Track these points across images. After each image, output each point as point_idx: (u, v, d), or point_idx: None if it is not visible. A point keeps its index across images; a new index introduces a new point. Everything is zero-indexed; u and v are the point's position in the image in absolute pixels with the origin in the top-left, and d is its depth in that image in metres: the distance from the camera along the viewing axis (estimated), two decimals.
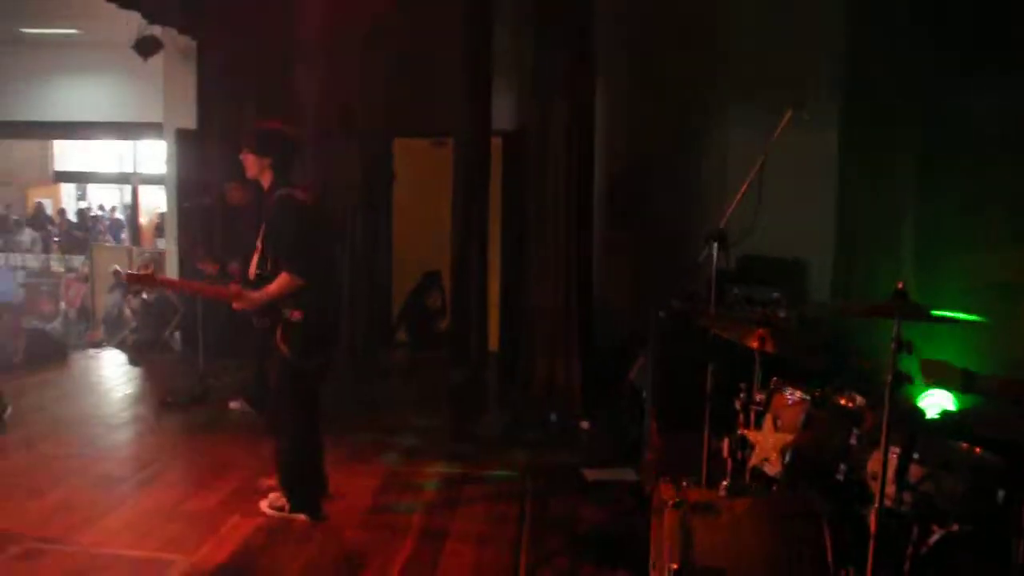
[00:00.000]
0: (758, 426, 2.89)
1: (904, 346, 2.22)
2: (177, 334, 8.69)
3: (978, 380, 2.65)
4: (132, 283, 4.38)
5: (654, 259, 6.67)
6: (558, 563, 3.80)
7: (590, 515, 4.37)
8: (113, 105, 12.08)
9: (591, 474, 4.98)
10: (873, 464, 2.50)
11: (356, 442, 5.52)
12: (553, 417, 6.14)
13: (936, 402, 3.02)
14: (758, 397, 2.96)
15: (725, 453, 2.96)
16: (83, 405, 6.57)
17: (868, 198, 5.24)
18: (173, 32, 8.67)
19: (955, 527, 2.45)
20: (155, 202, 15.70)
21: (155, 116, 10.76)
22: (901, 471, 2.37)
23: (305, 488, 4.25)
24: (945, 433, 2.56)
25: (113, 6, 7.62)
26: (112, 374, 7.76)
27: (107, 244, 14.51)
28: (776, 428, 2.79)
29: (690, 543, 2.75)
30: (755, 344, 3.00)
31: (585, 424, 6.03)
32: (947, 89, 4.54)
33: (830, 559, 2.63)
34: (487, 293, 7.21)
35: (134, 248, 12.83)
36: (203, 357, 6.74)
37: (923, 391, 3.22)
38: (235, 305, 4.08)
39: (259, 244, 4.09)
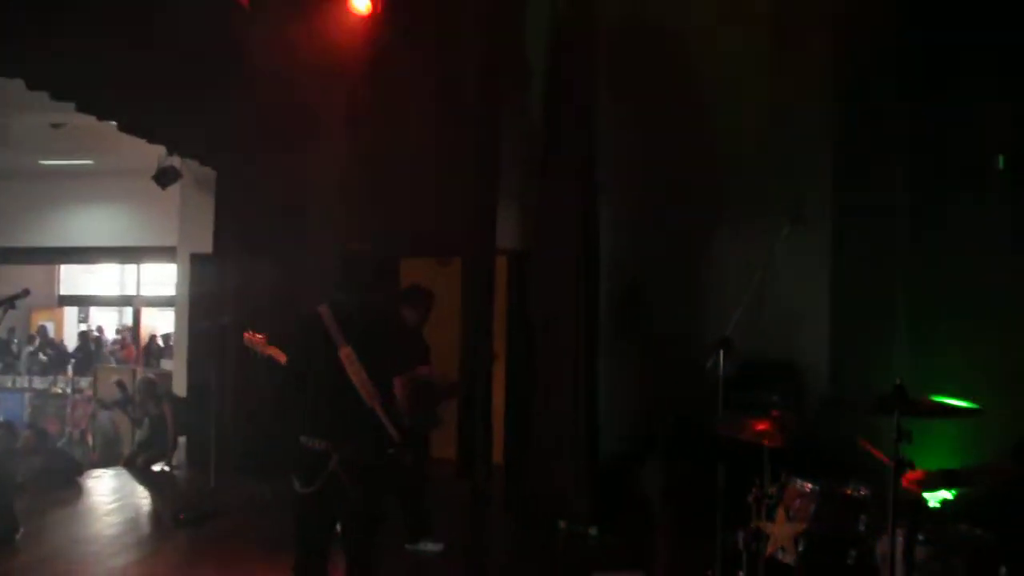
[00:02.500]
0: (771, 518, 3.08)
1: (904, 435, 2.45)
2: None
3: (960, 475, 2.84)
4: (248, 345, 4.54)
5: (658, 367, 6.90)
6: None
7: None
8: (124, 230, 12.56)
9: None
10: (882, 547, 2.69)
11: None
12: (562, 524, 6.26)
13: (936, 494, 3.22)
14: (770, 491, 3.16)
15: (740, 545, 3.13)
16: (96, 525, 6.62)
17: (859, 303, 5.57)
18: (191, 162, 9.17)
19: None
20: (153, 325, 16.06)
21: (165, 240, 11.24)
22: (909, 553, 2.56)
23: None
24: (947, 518, 2.77)
25: (130, 137, 8.09)
26: (123, 492, 7.82)
27: (110, 366, 14.69)
28: (788, 518, 2.98)
29: None
30: (765, 442, 3.23)
31: (593, 530, 6.13)
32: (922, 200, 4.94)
33: None
34: (492, 407, 7.43)
35: (138, 368, 13.02)
36: (214, 474, 6.86)
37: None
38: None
39: None
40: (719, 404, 3.71)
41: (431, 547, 5.65)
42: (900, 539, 2.54)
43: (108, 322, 18.13)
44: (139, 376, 11.30)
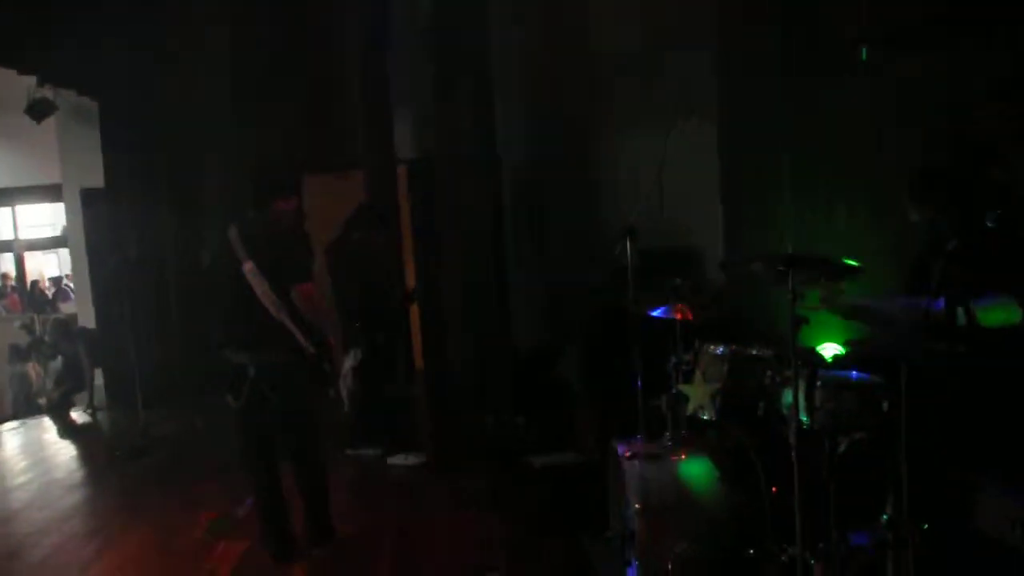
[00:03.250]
0: (689, 382, 3.46)
1: (798, 295, 2.82)
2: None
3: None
4: None
5: (562, 261, 7.22)
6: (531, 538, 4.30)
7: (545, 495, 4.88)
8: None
9: (538, 461, 5.48)
10: (786, 397, 3.10)
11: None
12: (489, 419, 6.62)
13: (830, 351, 3.64)
14: (687, 358, 3.53)
15: (664, 408, 3.52)
16: (31, 472, 6.62)
17: (749, 191, 5.96)
18: (66, 92, 8.74)
19: (856, 435, 3.07)
20: (39, 269, 15.37)
21: (44, 178, 10.74)
22: (809, 397, 2.96)
23: (263, 526, 4.32)
24: (839, 365, 3.18)
25: None
26: (48, 439, 7.77)
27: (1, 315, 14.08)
28: (705, 380, 3.36)
29: (647, 486, 3.28)
30: (678, 316, 3.58)
31: (520, 420, 6.50)
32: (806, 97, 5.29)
33: (760, 481, 3.22)
34: (409, 316, 7.65)
35: (36, 315, 12.56)
36: (142, 409, 6.90)
37: (819, 342, 3.80)
38: None
39: None
40: (629, 288, 3.97)
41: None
42: (802, 385, 2.93)
43: None
44: (37, 322, 10.99)
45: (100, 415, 8.45)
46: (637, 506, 3.24)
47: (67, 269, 14.36)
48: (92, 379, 8.60)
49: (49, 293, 13.70)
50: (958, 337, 2.76)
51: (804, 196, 5.40)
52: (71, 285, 13.46)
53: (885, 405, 2.99)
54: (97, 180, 8.89)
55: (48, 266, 15.75)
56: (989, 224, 3.05)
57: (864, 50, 3.50)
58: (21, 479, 6.36)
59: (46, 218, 15.20)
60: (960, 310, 2.56)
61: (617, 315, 4.86)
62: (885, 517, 2.66)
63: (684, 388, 3.45)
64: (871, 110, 4.52)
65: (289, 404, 4.13)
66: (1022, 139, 3.28)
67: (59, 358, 8.91)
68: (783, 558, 2.98)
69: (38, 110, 8.94)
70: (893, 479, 2.61)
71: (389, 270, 6.07)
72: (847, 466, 3.08)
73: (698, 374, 3.40)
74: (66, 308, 12.34)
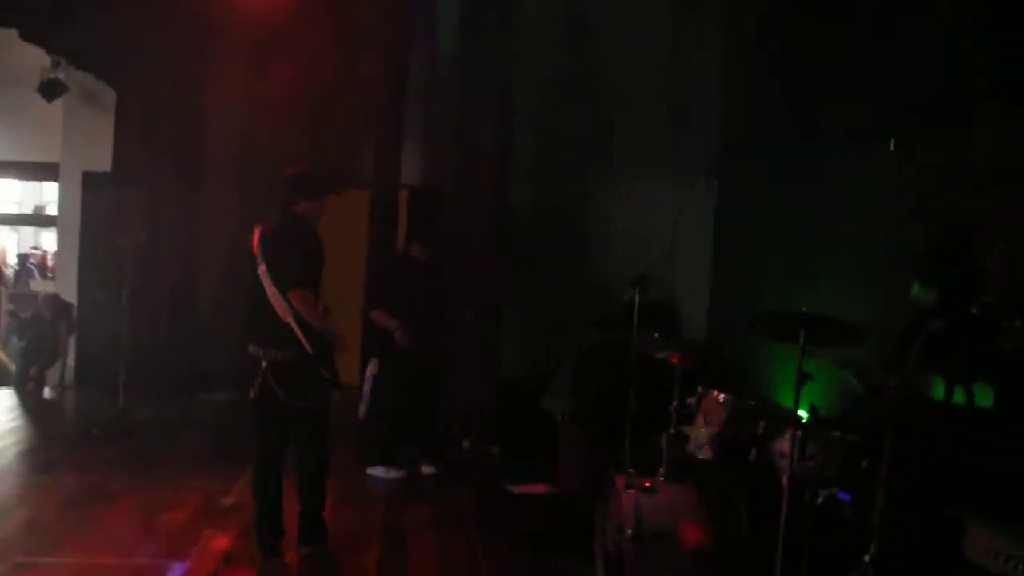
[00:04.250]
0: (690, 423, 3.75)
1: (805, 352, 3.13)
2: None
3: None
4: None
5: (553, 302, 7.51)
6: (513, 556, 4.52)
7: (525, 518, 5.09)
8: None
9: (516, 489, 5.70)
10: (778, 445, 3.40)
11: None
12: (466, 444, 6.85)
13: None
14: (688, 401, 3.83)
15: (663, 446, 3.81)
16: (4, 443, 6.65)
17: (738, 258, 6.33)
18: (77, 74, 8.89)
19: (834, 490, 3.38)
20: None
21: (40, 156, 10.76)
22: (801, 448, 3.26)
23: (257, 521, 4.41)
24: (828, 423, 3.50)
25: None
26: (20, 412, 7.78)
27: None
28: (706, 423, 3.66)
29: (640, 515, 3.55)
30: (675, 360, 3.91)
31: (495, 449, 6.73)
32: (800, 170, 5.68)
33: (742, 524, 3.52)
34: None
35: (3, 288, 12.46)
36: (123, 390, 6.98)
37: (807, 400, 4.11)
38: None
39: None
40: (633, 331, 4.25)
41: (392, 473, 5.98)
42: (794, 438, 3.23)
43: None
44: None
45: (68, 395, 8.47)
46: (630, 531, 3.50)
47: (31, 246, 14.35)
48: (65, 351, 8.66)
49: (9, 271, 13.53)
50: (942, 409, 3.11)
51: (792, 262, 5.75)
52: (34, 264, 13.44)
53: (864, 463, 3.30)
54: (96, 164, 9.03)
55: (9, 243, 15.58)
56: (974, 311, 3.43)
57: (893, 142, 3.84)
58: None
59: (11, 195, 15.20)
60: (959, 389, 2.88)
61: (612, 355, 5.18)
62: (867, 557, 2.94)
63: (686, 428, 3.73)
64: (868, 190, 4.89)
65: (294, 399, 4.30)
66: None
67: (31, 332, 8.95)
68: None
69: (50, 89, 9.10)
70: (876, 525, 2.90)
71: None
72: (824, 515, 3.39)
73: (700, 416, 3.69)
74: (36, 286, 12.25)
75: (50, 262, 12.91)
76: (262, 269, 4.20)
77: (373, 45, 7.85)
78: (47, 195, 13.98)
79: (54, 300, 8.63)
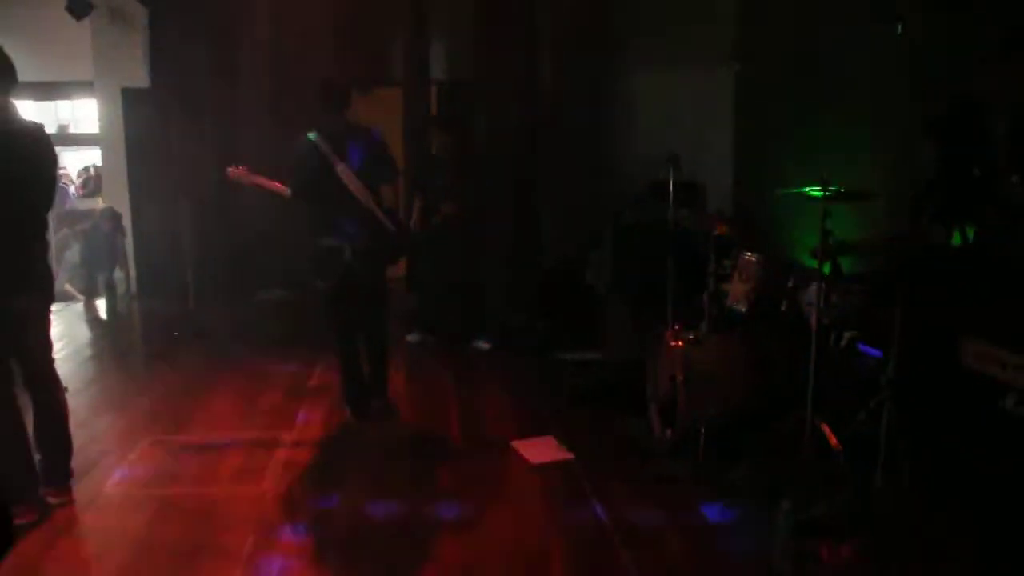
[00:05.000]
0: (727, 282, 4.30)
1: (827, 213, 3.61)
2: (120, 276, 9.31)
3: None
4: (232, 179, 5.00)
5: (582, 184, 7.96)
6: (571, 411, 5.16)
7: (579, 380, 5.71)
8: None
9: (566, 356, 6.31)
10: (808, 296, 3.93)
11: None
12: (515, 320, 7.43)
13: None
14: (725, 263, 4.36)
15: (705, 303, 4.36)
16: (92, 343, 7.33)
17: (757, 137, 6.71)
18: None
19: (855, 332, 3.95)
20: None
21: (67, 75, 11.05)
22: (826, 296, 3.78)
23: (346, 389, 5.09)
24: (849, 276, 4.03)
25: None
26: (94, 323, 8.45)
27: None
28: (741, 280, 4.19)
29: (689, 362, 4.13)
30: (721, 230, 4.40)
31: (543, 323, 7.30)
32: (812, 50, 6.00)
33: (777, 365, 4.10)
34: None
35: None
36: (193, 296, 7.59)
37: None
38: None
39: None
40: (670, 206, 4.72)
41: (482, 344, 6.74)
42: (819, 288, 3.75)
43: None
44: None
45: (134, 303, 9.10)
46: (681, 377, 4.09)
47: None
48: (127, 268, 9.26)
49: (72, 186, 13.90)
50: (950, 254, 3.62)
51: (806, 142, 6.16)
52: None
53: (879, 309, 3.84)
54: (130, 80, 9.38)
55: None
56: (976, 172, 3.89)
57: (900, 26, 4.19)
58: (90, 351, 7.08)
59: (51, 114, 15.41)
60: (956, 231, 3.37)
61: (648, 229, 5.69)
62: (883, 380, 3.51)
63: (724, 287, 4.27)
64: (876, 66, 5.25)
65: (375, 280, 4.91)
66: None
67: (75, 248, 9.58)
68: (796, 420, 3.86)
69: (78, 9, 9.32)
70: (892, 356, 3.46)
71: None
72: (847, 355, 3.97)
73: (735, 275, 4.22)
74: (78, 203, 12.72)
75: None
76: (341, 167, 4.68)
77: None
78: (62, 114, 14.23)
79: (111, 212, 9.12)
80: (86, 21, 9.59)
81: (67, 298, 9.33)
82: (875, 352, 4.18)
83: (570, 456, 4.36)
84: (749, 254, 4.21)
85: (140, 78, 9.32)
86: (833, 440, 3.56)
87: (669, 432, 4.30)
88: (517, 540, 3.54)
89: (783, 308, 4.06)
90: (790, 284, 4.06)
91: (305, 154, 4.79)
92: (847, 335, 3.96)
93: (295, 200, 4.91)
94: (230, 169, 5.03)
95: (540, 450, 4.46)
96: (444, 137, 6.66)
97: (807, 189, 3.59)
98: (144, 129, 8.93)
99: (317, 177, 4.75)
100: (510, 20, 7.37)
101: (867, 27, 5.16)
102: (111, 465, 4.38)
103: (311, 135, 4.75)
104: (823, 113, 6.07)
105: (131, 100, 9.13)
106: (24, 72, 3.74)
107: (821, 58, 6.00)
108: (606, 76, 7.93)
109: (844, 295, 3.87)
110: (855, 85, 5.78)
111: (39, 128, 3.68)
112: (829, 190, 3.53)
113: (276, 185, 4.95)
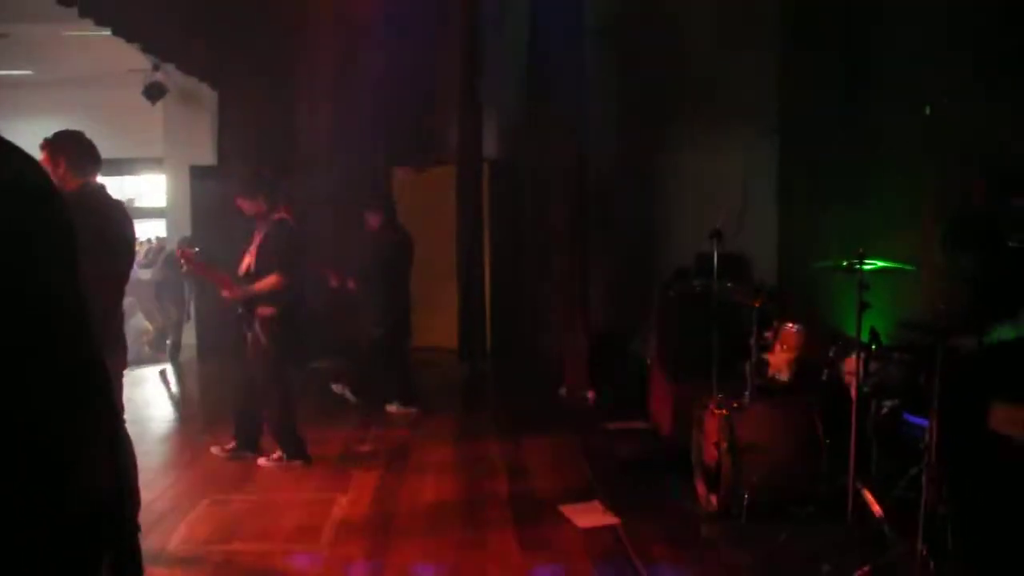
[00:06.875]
0: (770, 351, 4.43)
1: (864, 286, 3.74)
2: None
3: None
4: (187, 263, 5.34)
5: (629, 261, 8.19)
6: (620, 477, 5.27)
7: (625, 449, 5.82)
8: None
9: (612, 426, 6.42)
10: (846, 366, 4.05)
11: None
12: (563, 391, 7.56)
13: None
14: (767, 335, 4.50)
15: (747, 372, 4.49)
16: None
17: (802, 210, 6.89)
18: (175, 75, 9.75)
19: (896, 401, 4.03)
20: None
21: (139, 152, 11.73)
22: (865, 366, 3.89)
23: (292, 441, 5.49)
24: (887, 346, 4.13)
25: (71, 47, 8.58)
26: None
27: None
28: (783, 350, 4.33)
29: (733, 431, 4.24)
30: (757, 304, 4.55)
31: (591, 395, 7.41)
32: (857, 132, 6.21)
33: (819, 432, 4.19)
34: (485, 299, 8.63)
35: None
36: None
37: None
38: (226, 294, 5.27)
39: (253, 252, 5.33)
40: (713, 279, 4.89)
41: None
42: (860, 358, 3.86)
43: None
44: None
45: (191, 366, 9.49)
46: (724, 445, 4.20)
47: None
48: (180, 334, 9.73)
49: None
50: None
51: (851, 213, 6.31)
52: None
53: (921, 377, 3.93)
54: (197, 158, 9.96)
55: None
56: (1011, 244, 3.99)
57: (928, 107, 4.38)
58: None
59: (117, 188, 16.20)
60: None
61: (693, 301, 5.86)
62: (922, 446, 3.58)
63: (768, 355, 4.41)
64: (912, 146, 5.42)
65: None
66: None
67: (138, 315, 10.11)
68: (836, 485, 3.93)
69: (154, 92, 10.02)
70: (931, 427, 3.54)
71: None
72: (887, 424, 4.05)
73: (778, 345, 4.36)
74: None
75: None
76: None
77: (450, 33, 8.46)
78: (128, 189, 14.99)
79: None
80: (160, 102, 10.29)
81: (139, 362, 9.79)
82: (921, 421, 4.24)
83: (616, 521, 4.45)
84: (791, 324, 4.35)
85: (206, 156, 9.91)
86: (875, 507, 3.63)
87: (714, 498, 4.38)
88: None
89: (824, 377, 4.17)
90: (831, 353, 4.18)
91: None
92: (887, 403, 4.04)
93: None
94: (178, 251, 5.51)
95: (587, 515, 4.56)
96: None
97: (843, 262, 3.73)
98: (210, 203, 9.42)
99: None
100: (560, 97, 7.67)
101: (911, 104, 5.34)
102: (174, 523, 4.58)
103: None
104: (869, 183, 6.24)
105: (199, 176, 9.68)
106: (101, 149, 4.05)
107: (863, 130, 6.21)
108: (655, 151, 8.22)
109: (883, 364, 3.98)
110: (895, 162, 5.97)
111: (122, 201, 4.03)
112: (864, 263, 3.67)
113: (221, 278, 5.33)
